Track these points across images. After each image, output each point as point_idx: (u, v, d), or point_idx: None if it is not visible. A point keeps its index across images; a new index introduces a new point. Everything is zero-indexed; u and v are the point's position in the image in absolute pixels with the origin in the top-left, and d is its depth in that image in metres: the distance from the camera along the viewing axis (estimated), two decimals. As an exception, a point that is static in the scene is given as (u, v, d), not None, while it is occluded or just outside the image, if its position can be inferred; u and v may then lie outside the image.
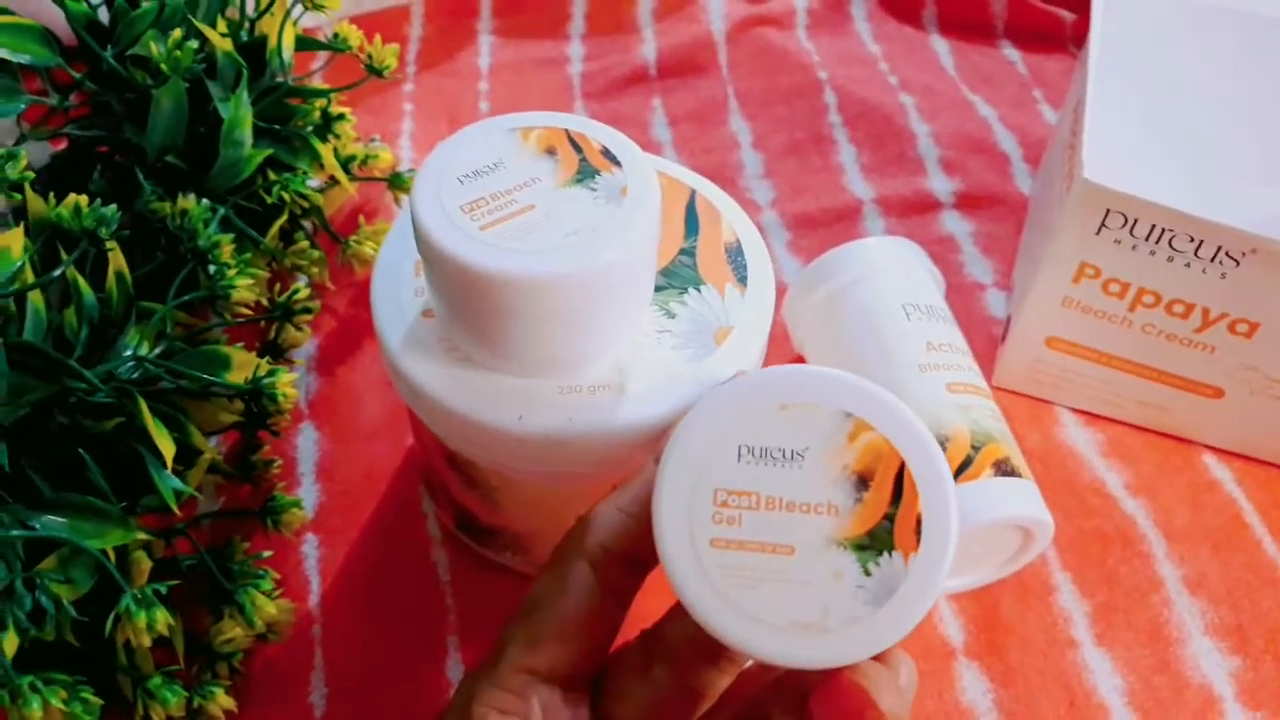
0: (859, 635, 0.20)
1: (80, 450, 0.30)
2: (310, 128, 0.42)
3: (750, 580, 0.20)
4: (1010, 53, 0.56)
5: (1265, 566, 0.36)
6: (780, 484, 0.21)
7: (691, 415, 0.22)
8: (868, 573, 0.20)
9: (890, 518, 0.20)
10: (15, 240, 0.31)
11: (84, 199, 0.32)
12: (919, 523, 0.20)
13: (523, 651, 0.23)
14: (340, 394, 0.40)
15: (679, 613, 0.24)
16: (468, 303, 0.26)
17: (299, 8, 0.41)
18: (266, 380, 0.33)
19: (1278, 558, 0.36)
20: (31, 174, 0.32)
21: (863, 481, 0.21)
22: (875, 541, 0.20)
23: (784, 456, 0.21)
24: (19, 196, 0.33)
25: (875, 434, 0.21)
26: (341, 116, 0.42)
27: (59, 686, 0.26)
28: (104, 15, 0.39)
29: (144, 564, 0.29)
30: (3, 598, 0.27)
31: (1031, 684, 0.33)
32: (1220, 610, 0.35)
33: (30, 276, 0.31)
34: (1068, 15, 0.56)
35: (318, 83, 0.44)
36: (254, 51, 0.41)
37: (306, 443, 0.39)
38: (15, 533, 0.27)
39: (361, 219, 0.43)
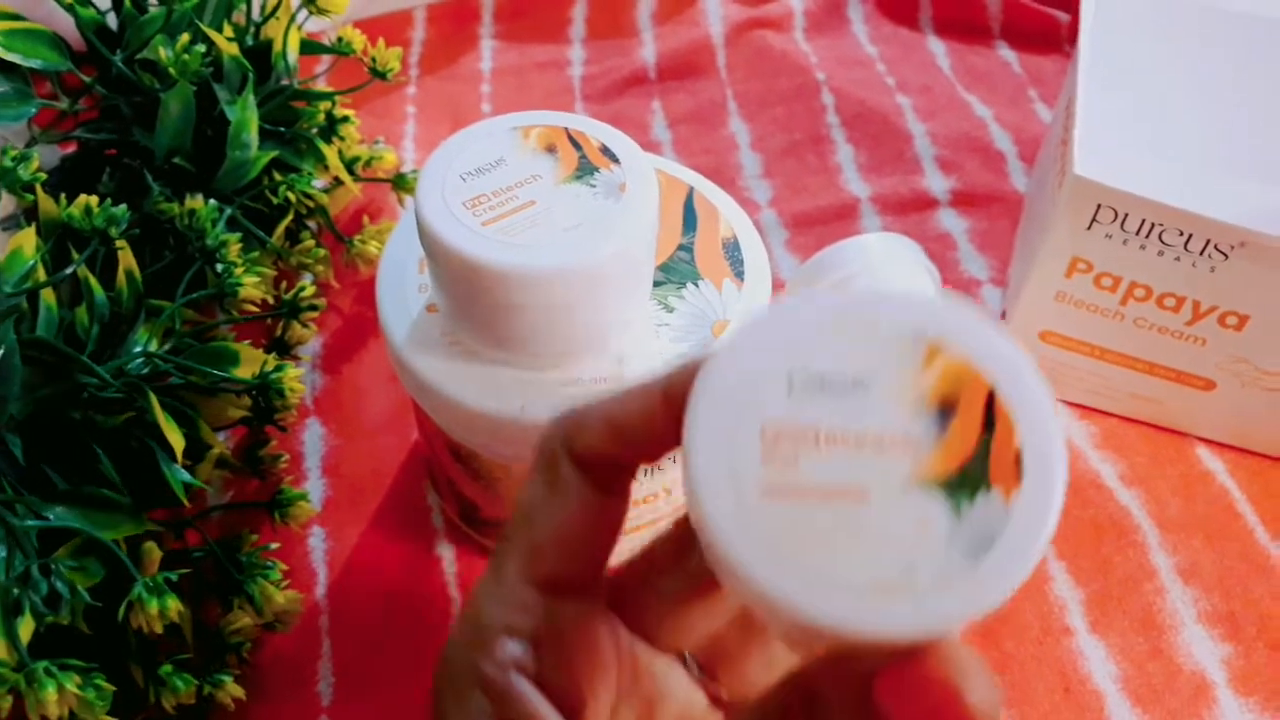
0: (956, 595, 0.16)
1: (93, 445, 0.30)
2: (315, 130, 0.42)
3: (816, 536, 0.16)
4: (1006, 53, 0.56)
5: (1257, 555, 0.37)
6: (844, 416, 0.17)
7: (728, 340, 0.18)
8: (960, 517, 0.16)
9: (984, 450, 0.17)
10: (27, 240, 0.32)
11: (94, 199, 0.33)
12: (1018, 456, 0.16)
13: (524, 564, 0.21)
14: (346, 390, 0.41)
15: None
16: (471, 297, 0.27)
17: (303, 12, 0.42)
18: (274, 375, 0.33)
19: (1269, 547, 0.37)
20: (43, 175, 0.33)
21: (945, 411, 0.17)
22: (966, 479, 0.16)
23: (846, 384, 0.17)
24: (31, 197, 0.33)
25: (955, 356, 0.17)
26: (346, 119, 0.43)
27: (73, 672, 0.27)
28: (112, 20, 0.40)
29: (155, 554, 0.30)
30: (19, 583, 0.27)
31: (1026, 671, 0.34)
32: (1212, 598, 0.36)
33: (42, 275, 0.32)
34: (1062, 16, 0.57)
35: (322, 86, 0.44)
36: (260, 55, 0.42)
37: (313, 438, 0.39)
38: (30, 523, 0.28)
39: (366, 219, 0.44)
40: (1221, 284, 0.34)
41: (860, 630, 0.16)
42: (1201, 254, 0.34)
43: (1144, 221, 0.34)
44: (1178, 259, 0.34)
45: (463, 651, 0.21)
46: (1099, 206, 0.34)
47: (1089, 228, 0.35)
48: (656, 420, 0.19)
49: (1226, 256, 0.33)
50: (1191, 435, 0.40)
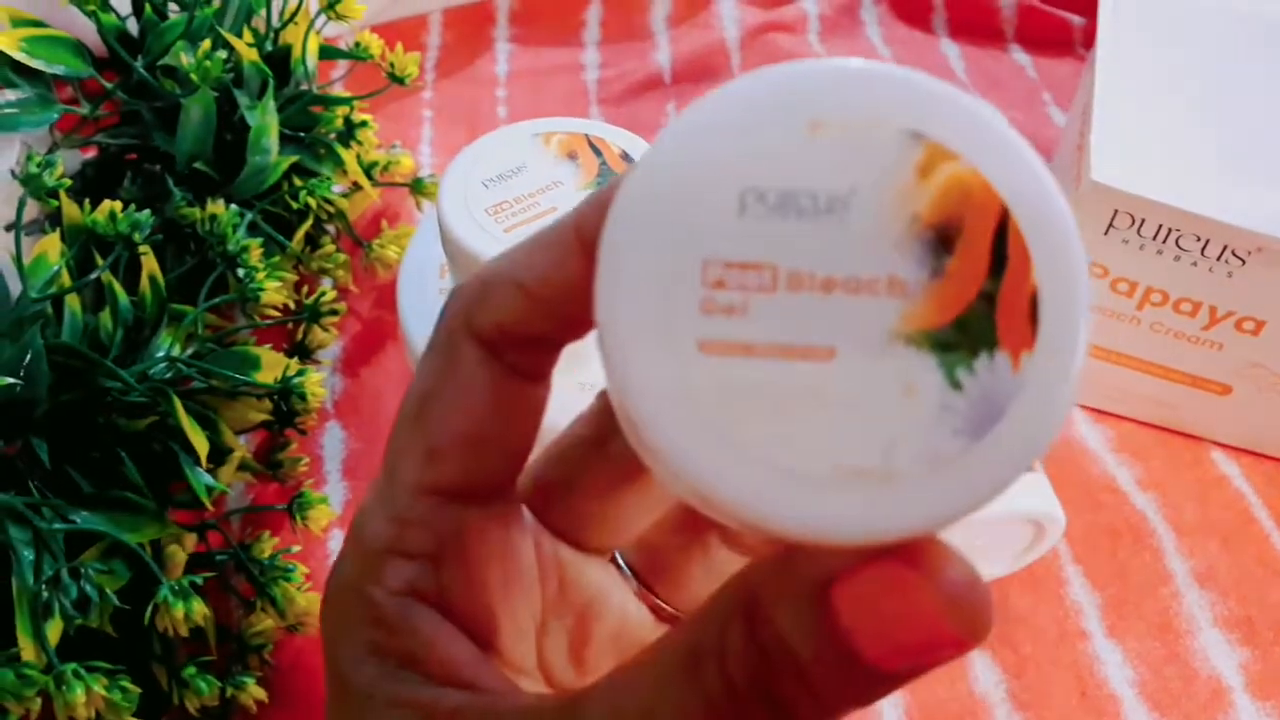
0: (945, 486, 0.13)
1: (117, 448, 0.31)
2: (333, 135, 0.43)
3: (767, 405, 0.13)
4: (1020, 56, 0.56)
5: (1274, 560, 0.37)
6: (811, 248, 0.13)
7: (662, 140, 0.14)
8: (957, 385, 0.13)
9: (989, 296, 0.13)
10: (51, 246, 0.32)
11: (118, 205, 0.33)
12: (1034, 302, 0.13)
13: (418, 470, 0.17)
14: (365, 394, 0.41)
15: None
16: (493, 302, 0.27)
17: (321, 17, 0.42)
18: (296, 380, 0.34)
19: (1286, 551, 0.37)
20: (69, 181, 0.33)
21: (944, 240, 0.13)
22: (967, 335, 0.13)
23: (816, 204, 0.13)
24: (55, 203, 0.34)
25: (961, 164, 0.13)
26: (364, 124, 0.43)
27: (100, 674, 0.27)
28: (132, 26, 0.40)
29: (179, 557, 0.30)
30: (49, 586, 0.28)
31: (1044, 675, 0.34)
32: (1229, 603, 0.36)
33: (67, 280, 0.32)
34: (1076, 19, 0.57)
35: (340, 91, 0.45)
36: (279, 61, 0.42)
37: (333, 442, 0.40)
38: (57, 526, 0.28)
39: (384, 223, 0.44)
40: (1239, 289, 0.34)
41: (821, 531, 0.13)
42: (1219, 259, 0.34)
43: (1161, 227, 0.34)
44: (1195, 264, 0.34)
45: (349, 578, 0.17)
46: (1116, 212, 0.34)
47: (1106, 233, 0.35)
48: (573, 274, 0.15)
49: (1244, 262, 0.34)
50: (1207, 440, 0.40)
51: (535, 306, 0.16)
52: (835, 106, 0.13)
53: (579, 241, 0.15)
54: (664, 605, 0.20)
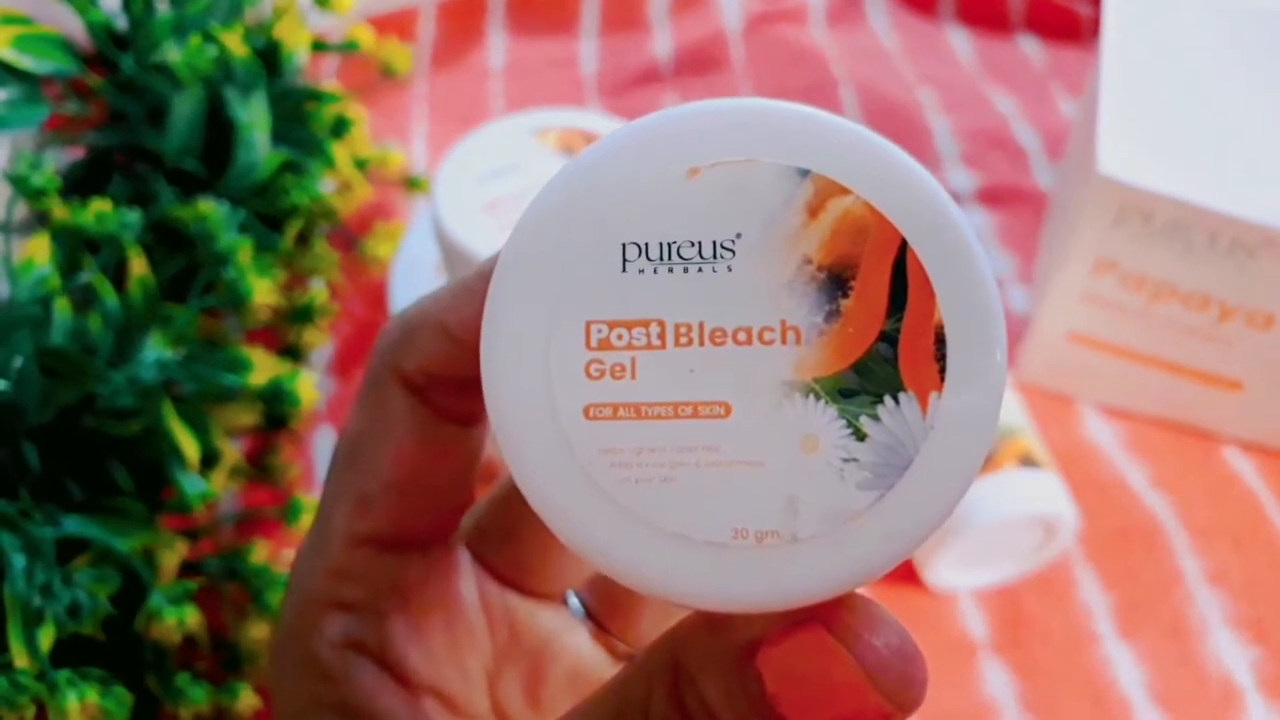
0: (858, 543, 0.12)
1: (108, 453, 0.30)
2: (325, 130, 0.42)
3: (659, 470, 0.12)
4: (1028, 45, 0.56)
5: (1287, 558, 0.36)
6: (697, 300, 0.12)
7: (539, 200, 0.13)
8: (860, 435, 0.12)
9: (890, 337, 0.12)
10: (40, 248, 0.32)
11: (108, 203, 0.32)
12: (940, 339, 0.12)
13: (349, 519, 0.16)
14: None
15: None
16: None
17: (313, 12, 0.41)
18: (288, 382, 0.33)
19: (1300, 550, 0.36)
20: (59, 181, 0.33)
21: (838, 280, 0.12)
22: (868, 380, 0.12)
23: (701, 253, 0.12)
24: (44, 203, 0.33)
25: (853, 199, 0.12)
26: (355, 119, 0.42)
27: (93, 682, 0.27)
28: (121, 22, 0.40)
29: (171, 563, 0.30)
30: (41, 593, 0.27)
31: (1055, 678, 0.33)
32: (1240, 603, 0.35)
33: (57, 282, 0.31)
34: (1084, 9, 0.56)
35: (332, 84, 0.44)
36: (269, 56, 0.41)
37: (325, 444, 0.39)
38: (48, 531, 0.28)
39: (377, 222, 0.43)
40: (1248, 283, 0.34)
41: (723, 601, 0.12)
42: (1228, 253, 0.33)
43: (1170, 221, 0.33)
44: (1204, 258, 0.34)
45: (290, 629, 0.17)
46: (1125, 205, 0.33)
47: (1115, 227, 0.34)
48: None
49: (1254, 256, 0.33)
50: (1219, 436, 0.39)
51: (460, 350, 0.15)
52: (711, 149, 0.12)
53: None
54: (620, 644, 0.20)
